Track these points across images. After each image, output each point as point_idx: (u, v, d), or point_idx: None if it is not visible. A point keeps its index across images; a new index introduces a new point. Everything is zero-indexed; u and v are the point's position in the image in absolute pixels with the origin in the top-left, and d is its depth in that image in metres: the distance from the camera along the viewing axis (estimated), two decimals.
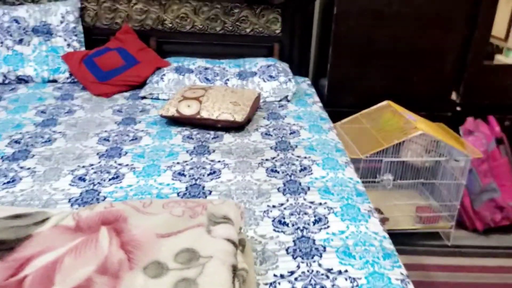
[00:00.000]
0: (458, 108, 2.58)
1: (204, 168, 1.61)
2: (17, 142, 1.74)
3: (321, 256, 1.16)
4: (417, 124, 2.06)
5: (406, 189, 2.35)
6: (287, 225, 1.30)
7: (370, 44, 2.44)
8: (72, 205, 1.37)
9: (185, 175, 1.55)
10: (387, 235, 1.26)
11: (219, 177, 1.55)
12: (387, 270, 1.11)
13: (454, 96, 2.61)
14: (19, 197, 1.40)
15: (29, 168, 1.56)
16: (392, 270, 1.11)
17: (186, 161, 1.65)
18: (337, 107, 2.47)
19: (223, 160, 1.66)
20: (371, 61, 2.48)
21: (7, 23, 2.29)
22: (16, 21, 2.30)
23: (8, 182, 1.48)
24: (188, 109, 1.90)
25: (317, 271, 1.10)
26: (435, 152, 2.20)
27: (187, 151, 1.72)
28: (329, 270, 1.11)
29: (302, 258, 1.15)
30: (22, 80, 2.31)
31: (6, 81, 2.30)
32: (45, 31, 2.32)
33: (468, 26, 2.43)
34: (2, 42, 2.29)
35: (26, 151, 1.68)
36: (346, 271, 1.11)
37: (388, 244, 1.22)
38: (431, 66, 2.51)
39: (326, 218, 1.33)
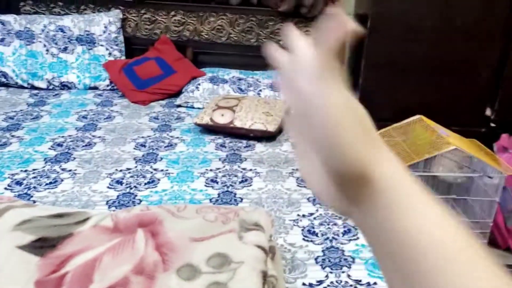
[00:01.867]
0: (493, 125, 2.54)
1: (236, 176, 1.64)
2: (59, 145, 1.83)
3: (350, 267, 1.17)
4: (449, 139, 2.04)
5: None
6: (317, 234, 1.31)
7: (403, 58, 2.44)
8: (109, 207, 1.43)
9: (217, 182, 1.59)
10: None
11: (250, 185, 1.58)
12: None
13: (488, 112, 2.57)
14: (60, 197, 1.47)
15: (70, 170, 1.64)
16: None
17: (218, 169, 1.69)
18: None
19: (255, 169, 1.70)
20: (403, 75, 2.47)
21: (53, 32, 2.41)
22: (62, 30, 2.41)
23: (51, 183, 1.55)
24: (221, 118, 1.94)
25: (345, 282, 1.12)
26: (468, 168, 2.17)
27: (219, 159, 1.77)
28: (358, 282, 1.12)
29: (331, 268, 1.17)
30: (65, 86, 2.42)
31: (50, 87, 2.41)
32: (88, 40, 2.43)
33: (504, 39, 2.40)
34: (48, 50, 2.41)
35: (68, 154, 1.76)
36: (375, 283, 1.12)
37: None
38: (465, 80, 2.49)
39: (355, 229, 1.34)
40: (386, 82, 2.49)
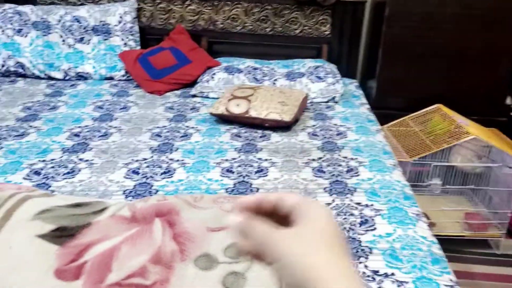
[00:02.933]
0: None
1: (251, 166, 1.64)
2: (76, 135, 1.84)
3: (367, 258, 1.16)
4: (468, 129, 2.01)
5: (454, 194, 2.29)
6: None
7: (421, 46, 2.40)
8: (126, 196, 1.44)
9: (233, 172, 1.59)
10: (435, 240, 1.25)
11: (266, 175, 1.58)
12: (435, 276, 1.10)
13: (509, 100, 2.52)
14: (77, 187, 1.49)
15: (87, 160, 1.65)
16: (441, 276, 1.10)
17: (234, 159, 1.69)
18: (385, 109, 2.44)
19: (270, 159, 1.69)
20: (422, 63, 2.43)
21: (69, 22, 2.42)
22: (78, 21, 2.42)
23: (68, 173, 1.57)
24: (237, 108, 1.94)
25: (363, 273, 1.11)
26: (487, 158, 2.13)
27: (235, 149, 1.76)
28: (375, 272, 1.11)
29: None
30: (81, 76, 2.43)
31: (67, 77, 2.43)
32: (104, 30, 2.43)
33: None
34: (64, 40, 2.42)
35: (85, 144, 1.77)
36: (392, 274, 1.11)
37: (437, 249, 1.21)
38: (485, 69, 2.44)
39: (372, 220, 1.33)
40: (403, 71, 2.45)
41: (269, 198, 0.44)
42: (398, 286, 1.07)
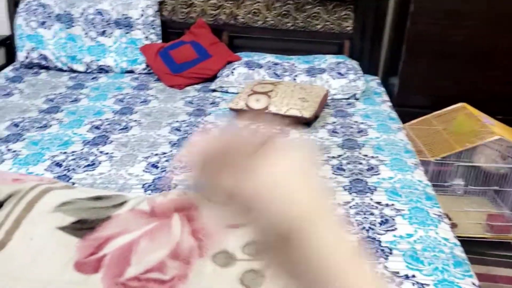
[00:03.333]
0: None
1: None
2: (97, 128, 1.86)
3: (387, 259, 1.14)
4: (494, 129, 1.96)
5: (477, 195, 2.24)
6: (352, 224, 1.29)
7: (446, 43, 2.34)
8: (145, 190, 1.44)
9: None
10: (458, 242, 1.22)
11: None
12: (457, 279, 1.08)
13: None
14: (98, 180, 1.50)
15: (107, 153, 1.66)
16: (463, 280, 1.08)
17: None
18: (407, 107, 2.40)
19: None
20: (446, 60, 2.38)
21: (92, 15, 2.44)
22: (100, 14, 2.44)
23: (89, 165, 1.58)
24: (257, 104, 1.93)
25: (382, 274, 1.09)
26: None
27: None
28: (395, 273, 1.09)
29: (367, 259, 1.14)
30: (102, 69, 2.45)
31: (89, 70, 2.45)
32: (126, 23, 2.44)
33: None
34: (86, 33, 2.44)
35: (105, 137, 1.78)
36: (413, 276, 1.09)
37: (459, 252, 1.18)
38: (511, 67, 2.37)
39: (393, 220, 1.31)
40: (427, 68, 2.40)
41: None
42: None
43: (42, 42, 2.43)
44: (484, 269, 1.98)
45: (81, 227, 1.04)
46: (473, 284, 1.07)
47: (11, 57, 2.68)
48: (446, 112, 2.21)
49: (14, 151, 1.66)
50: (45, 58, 2.44)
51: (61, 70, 2.46)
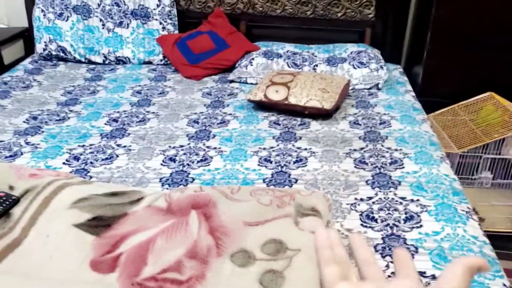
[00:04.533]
0: None
1: (290, 155, 1.59)
2: (115, 120, 1.84)
3: (412, 258, 1.09)
4: None
5: (506, 188, 2.16)
6: (376, 220, 1.24)
7: (472, 30, 2.25)
8: (162, 184, 1.42)
9: (271, 162, 1.55)
10: (487, 240, 1.17)
11: (305, 165, 1.52)
12: (487, 280, 1.02)
13: None
14: (115, 173, 1.48)
15: (125, 146, 1.64)
16: (493, 280, 1.02)
17: (272, 147, 1.64)
18: (432, 97, 2.32)
19: (310, 148, 1.63)
20: (472, 48, 2.29)
21: (109, 6, 2.41)
22: (117, 5, 2.41)
23: (106, 159, 1.56)
24: (276, 95, 1.88)
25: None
26: None
27: (273, 137, 1.71)
28: (422, 274, 1.04)
29: (392, 258, 1.10)
30: (120, 61, 2.43)
31: (106, 62, 2.44)
32: (142, 14, 2.41)
33: None
34: (104, 25, 2.42)
35: (123, 130, 1.76)
36: None
37: (489, 251, 1.13)
38: None
39: (418, 216, 1.25)
40: (453, 56, 2.31)
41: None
42: None
43: (60, 34, 2.42)
44: None
45: (97, 224, 1.02)
46: (504, 285, 1.02)
47: (30, 49, 2.69)
48: (473, 102, 2.13)
49: (33, 144, 1.65)
50: (63, 50, 2.43)
51: (79, 61, 2.45)
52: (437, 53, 2.32)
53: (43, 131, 1.75)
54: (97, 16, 2.42)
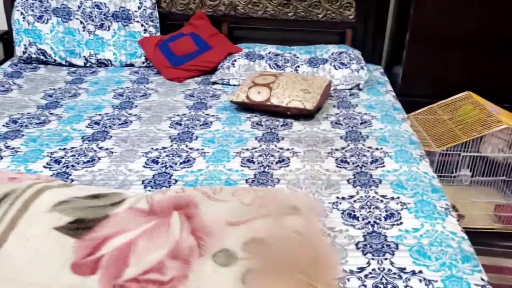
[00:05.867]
0: None
1: (272, 155, 1.60)
2: (96, 123, 1.83)
3: (393, 254, 1.11)
4: (501, 117, 1.92)
5: (484, 186, 2.20)
6: (357, 218, 1.26)
7: (450, 31, 2.29)
8: (145, 186, 1.42)
9: (254, 162, 1.55)
10: (466, 236, 1.19)
11: (287, 165, 1.53)
12: (466, 274, 1.04)
13: None
14: (97, 176, 1.47)
15: (107, 149, 1.63)
16: (472, 275, 1.04)
17: (255, 148, 1.65)
18: (412, 97, 2.36)
19: (292, 148, 1.65)
20: (451, 48, 2.33)
21: (89, 9, 2.40)
22: (98, 7, 2.40)
23: (88, 162, 1.55)
24: (258, 96, 1.89)
25: (388, 270, 1.06)
26: None
27: (256, 138, 1.72)
28: (402, 270, 1.06)
29: (373, 255, 1.11)
30: (102, 63, 2.42)
31: (88, 64, 2.42)
32: (124, 16, 2.40)
33: None
34: (84, 27, 2.40)
35: (105, 132, 1.75)
36: (420, 272, 1.05)
37: (467, 246, 1.15)
38: None
39: (399, 213, 1.28)
40: (432, 56, 2.36)
41: None
42: (426, 285, 1.02)
43: (40, 37, 2.40)
44: (492, 260, 1.95)
45: (78, 227, 1.01)
46: (482, 279, 1.04)
47: (9, 52, 2.65)
48: (451, 101, 2.17)
49: (13, 148, 1.63)
50: (43, 52, 2.40)
51: (60, 64, 2.43)
52: (416, 54, 2.36)
53: (23, 135, 1.73)
54: (77, 19, 2.40)
